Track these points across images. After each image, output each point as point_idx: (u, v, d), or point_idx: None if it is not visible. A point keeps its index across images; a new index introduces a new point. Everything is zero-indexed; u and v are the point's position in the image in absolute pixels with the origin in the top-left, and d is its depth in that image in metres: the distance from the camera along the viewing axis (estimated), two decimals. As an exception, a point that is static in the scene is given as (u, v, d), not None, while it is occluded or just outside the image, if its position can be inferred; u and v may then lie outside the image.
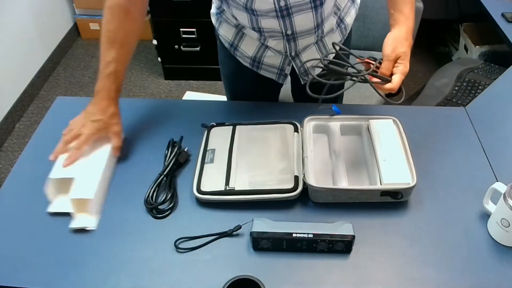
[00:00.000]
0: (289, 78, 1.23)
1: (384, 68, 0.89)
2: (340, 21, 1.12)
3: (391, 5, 0.97)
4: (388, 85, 0.87)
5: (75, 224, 0.89)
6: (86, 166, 0.95)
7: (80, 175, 0.93)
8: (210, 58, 2.61)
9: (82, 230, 0.88)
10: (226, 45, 1.20)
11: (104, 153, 0.99)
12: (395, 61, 0.89)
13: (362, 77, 0.87)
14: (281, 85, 1.24)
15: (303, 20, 1.01)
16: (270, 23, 1.02)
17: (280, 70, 1.17)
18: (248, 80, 1.23)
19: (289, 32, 1.04)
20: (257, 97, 1.21)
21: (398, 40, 0.91)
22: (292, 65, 1.16)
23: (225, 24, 1.15)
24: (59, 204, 0.92)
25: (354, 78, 0.87)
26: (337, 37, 1.14)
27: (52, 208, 0.91)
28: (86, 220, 0.89)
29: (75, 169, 0.94)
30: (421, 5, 1.80)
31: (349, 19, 1.15)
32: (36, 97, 2.65)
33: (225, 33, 1.18)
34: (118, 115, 1.01)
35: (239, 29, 1.13)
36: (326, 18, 1.05)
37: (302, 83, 1.19)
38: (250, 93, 1.27)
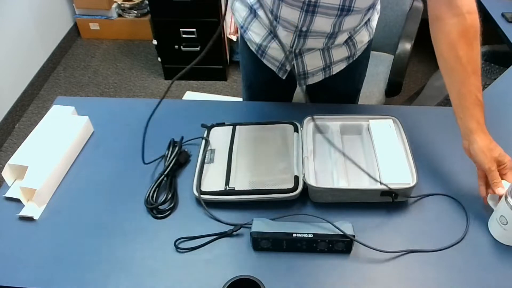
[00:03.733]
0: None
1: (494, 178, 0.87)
2: (349, 38, 1.12)
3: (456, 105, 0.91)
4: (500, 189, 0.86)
5: (22, 212, 0.91)
6: (42, 157, 0.97)
7: (35, 165, 0.95)
8: (210, 58, 2.63)
9: (82, 231, 0.88)
10: (238, 26, 1.18)
11: (63, 146, 1.01)
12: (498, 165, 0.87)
13: None
14: (295, 83, 1.22)
15: (322, 22, 1.00)
16: (290, 13, 0.99)
17: (282, 64, 1.17)
18: (264, 71, 1.22)
19: (304, 28, 1.02)
20: (271, 89, 1.19)
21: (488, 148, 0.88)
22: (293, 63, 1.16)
23: (239, 3, 1.14)
24: (14, 190, 0.95)
25: None
26: (344, 52, 1.14)
27: (8, 194, 0.95)
28: (33, 209, 0.92)
29: (32, 158, 0.97)
30: (421, 5, 1.80)
31: (359, 38, 1.13)
32: (36, 97, 2.65)
33: (238, 13, 1.16)
34: None
35: (252, 11, 1.11)
36: (342, 31, 1.05)
37: (298, 85, 1.19)
38: (265, 85, 1.25)
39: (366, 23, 1.10)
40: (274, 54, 1.15)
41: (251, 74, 1.32)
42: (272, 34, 1.11)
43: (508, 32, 1.70)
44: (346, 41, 1.11)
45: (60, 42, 2.92)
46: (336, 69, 1.17)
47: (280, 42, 1.11)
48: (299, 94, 1.41)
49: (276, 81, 1.21)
